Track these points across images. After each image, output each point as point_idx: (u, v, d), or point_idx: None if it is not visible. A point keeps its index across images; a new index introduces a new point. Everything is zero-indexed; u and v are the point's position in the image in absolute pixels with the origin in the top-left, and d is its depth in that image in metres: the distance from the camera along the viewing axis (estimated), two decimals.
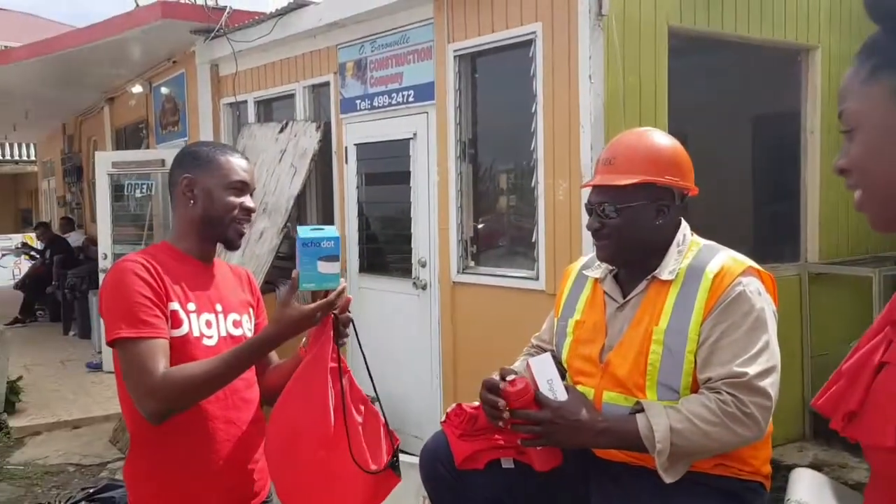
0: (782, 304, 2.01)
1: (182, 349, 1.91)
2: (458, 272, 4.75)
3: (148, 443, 1.95)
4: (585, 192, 2.13)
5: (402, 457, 1.98)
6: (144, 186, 8.05)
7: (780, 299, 1.98)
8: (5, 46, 13.15)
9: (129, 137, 9.79)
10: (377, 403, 2.09)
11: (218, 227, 2.03)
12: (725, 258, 1.92)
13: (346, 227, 5.62)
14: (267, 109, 6.62)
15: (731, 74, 4.96)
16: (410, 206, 5.09)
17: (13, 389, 6.48)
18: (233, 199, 2.02)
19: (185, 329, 1.94)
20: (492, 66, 4.71)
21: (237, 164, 2.05)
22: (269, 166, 5.93)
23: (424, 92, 4.90)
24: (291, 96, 6.15)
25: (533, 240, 4.31)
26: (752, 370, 1.79)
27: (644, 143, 1.98)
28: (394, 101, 5.14)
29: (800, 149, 5.03)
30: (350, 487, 1.83)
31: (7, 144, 19.37)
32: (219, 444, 1.97)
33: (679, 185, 1.96)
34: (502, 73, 4.68)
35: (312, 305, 1.83)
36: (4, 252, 15.96)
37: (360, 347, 1.99)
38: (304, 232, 1.84)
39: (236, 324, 2.07)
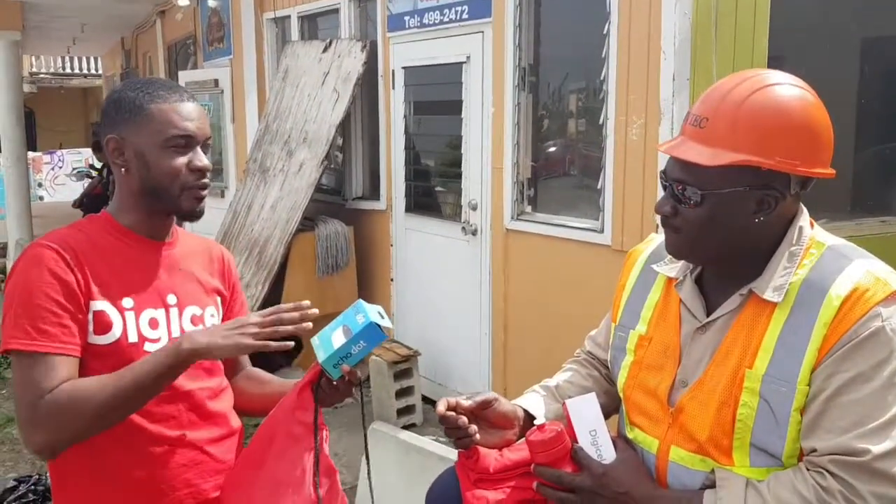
0: (889, 264, 1.38)
1: (113, 359, 1.47)
2: (511, 218, 4.20)
3: (74, 481, 1.54)
4: (663, 156, 1.53)
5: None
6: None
7: (885, 260, 1.38)
8: None
9: (180, 53, 9.42)
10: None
11: (164, 198, 1.55)
12: (861, 273, 1.30)
13: (392, 161, 5.10)
14: (311, 26, 6.08)
15: None
16: (462, 140, 4.51)
17: None
18: (175, 160, 1.52)
19: (116, 333, 1.49)
20: None
21: (176, 109, 1.53)
22: (311, 90, 5.41)
23: (480, 7, 4.26)
24: (336, 11, 5.57)
25: (599, 186, 3.71)
26: (878, 447, 1.21)
27: (756, 104, 1.32)
28: (445, 18, 4.51)
29: None
30: None
31: (75, 58, 19.32)
32: (170, 471, 1.55)
33: (800, 170, 1.33)
34: None
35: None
36: (76, 169, 16.11)
37: (363, 410, 1.60)
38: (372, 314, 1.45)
39: (195, 320, 1.60)
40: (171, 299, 1.58)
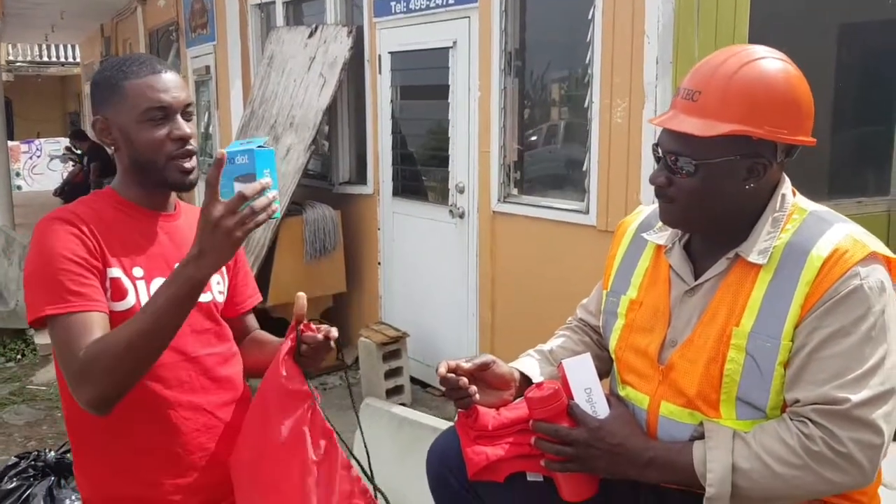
0: None
1: None
2: (498, 201, 4.26)
3: (93, 444, 1.60)
4: (653, 126, 1.61)
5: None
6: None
7: None
8: None
9: (162, 40, 9.36)
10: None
11: (152, 171, 1.59)
12: (840, 236, 1.40)
13: (379, 145, 5.14)
14: (297, 11, 6.06)
15: None
16: (449, 124, 4.57)
17: None
18: (155, 132, 1.55)
19: (130, 301, 1.55)
20: None
21: (148, 83, 1.55)
22: (298, 76, 5.43)
23: None
24: None
25: (584, 168, 3.78)
26: (857, 396, 1.31)
27: (745, 77, 1.42)
28: (432, 4, 4.55)
29: None
30: None
31: (52, 46, 19.08)
32: (185, 436, 1.61)
33: (786, 138, 1.43)
34: None
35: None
36: (52, 156, 15.99)
37: (346, 374, 1.69)
38: (230, 146, 1.41)
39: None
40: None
